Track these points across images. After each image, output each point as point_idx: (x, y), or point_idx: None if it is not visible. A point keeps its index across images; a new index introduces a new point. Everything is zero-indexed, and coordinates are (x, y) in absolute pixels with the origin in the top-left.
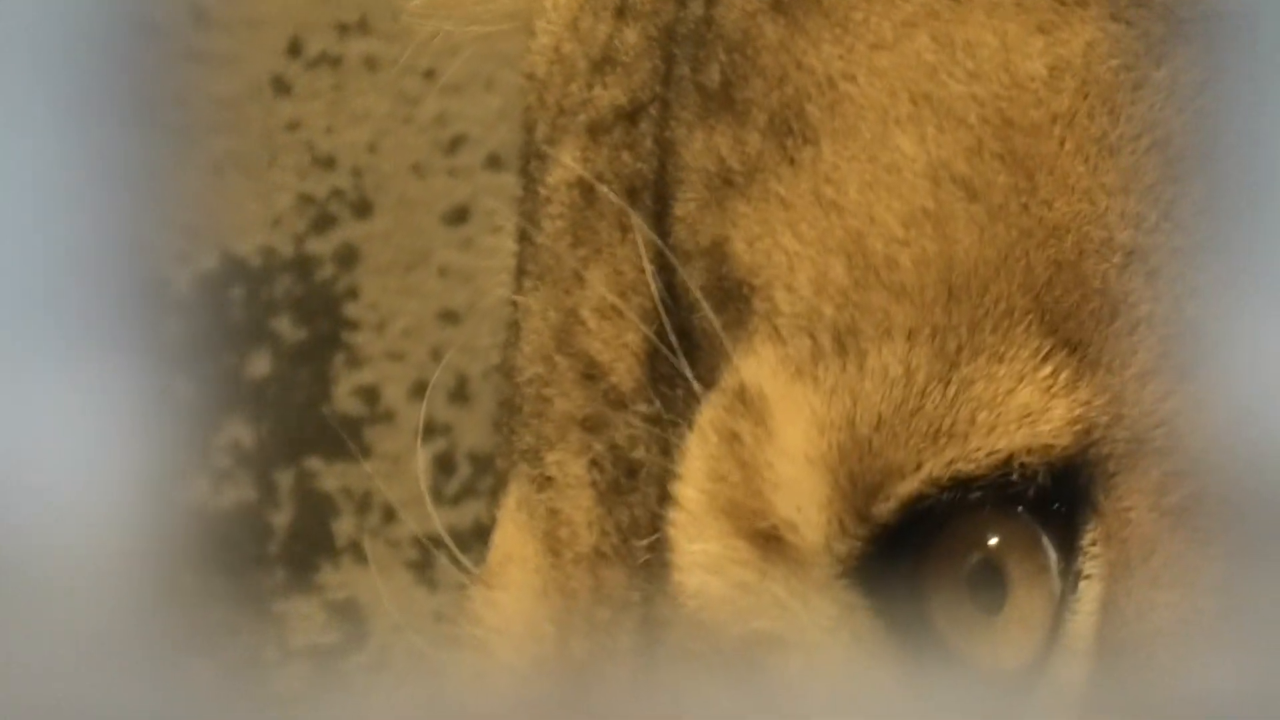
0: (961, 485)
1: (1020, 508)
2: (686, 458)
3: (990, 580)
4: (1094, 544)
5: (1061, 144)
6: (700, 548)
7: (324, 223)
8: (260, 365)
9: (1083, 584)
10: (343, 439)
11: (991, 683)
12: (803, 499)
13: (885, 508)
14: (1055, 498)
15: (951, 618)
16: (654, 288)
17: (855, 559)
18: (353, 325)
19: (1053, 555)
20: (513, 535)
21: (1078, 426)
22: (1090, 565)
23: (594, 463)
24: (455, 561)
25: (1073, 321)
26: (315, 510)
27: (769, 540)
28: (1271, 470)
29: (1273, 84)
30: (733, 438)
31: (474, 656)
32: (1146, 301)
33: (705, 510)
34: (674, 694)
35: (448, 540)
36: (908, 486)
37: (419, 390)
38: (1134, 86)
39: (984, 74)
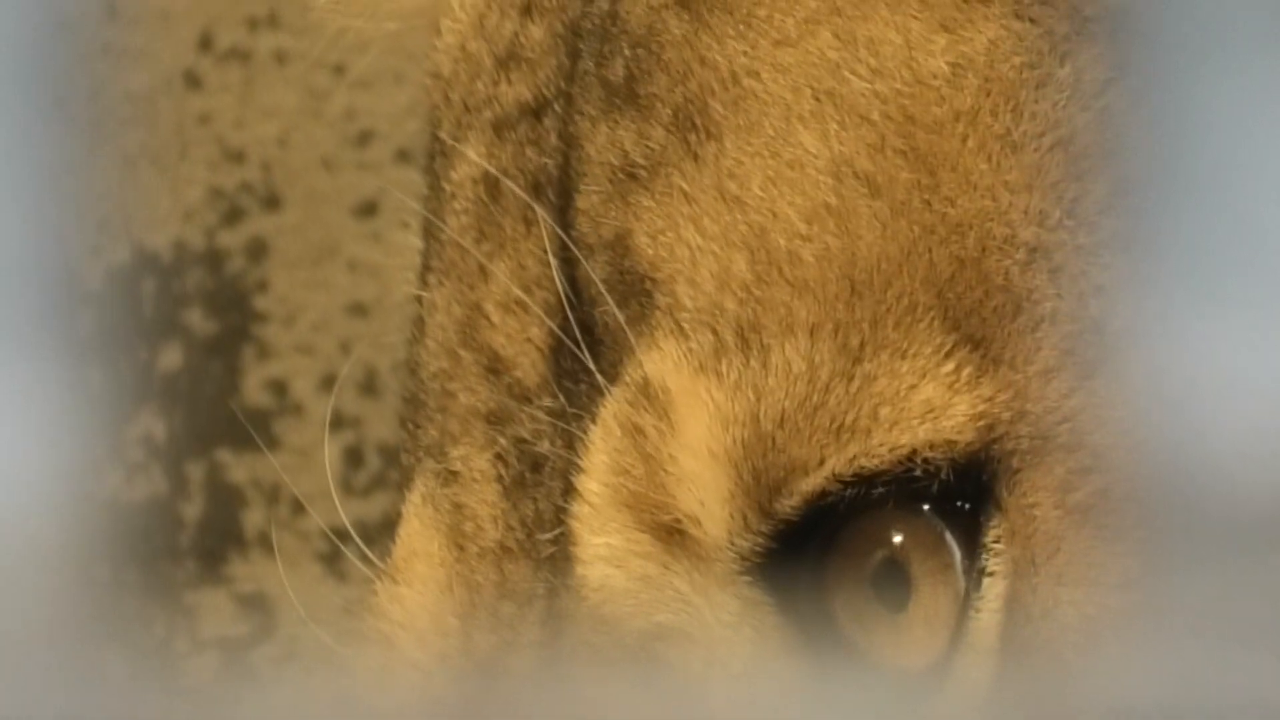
0: (865, 481)
1: (924, 505)
2: (590, 451)
3: (894, 578)
4: (998, 541)
5: (964, 141)
6: (603, 540)
7: (234, 216)
8: (171, 358)
9: (986, 581)
10: (252, 431)
11: (896, 681)
12: (705, 493)
13: (788, 503)
14: (959, 494)
15: (855, 615)
16: (558, 282)
17: (758, 555)
18: (262, 318)
19: (957, 553)
20: (417, 530)
21: (980, 422)
22: (994, 562)
23: (498, 457)
24: (363, 556)
25: (975, 318)
26: (225, 502)
27: (671, 534)
28: (1176, 466)
29: (1176, 83)
30: (636, 431)
31: (379, 651)
32: (1050, 299)
33: (608, 503)
34: (576, 687)
35: (354, 534)
36: (811, 482)
37: (328, 383)
38: (1037, 84)
39: (887, 71)
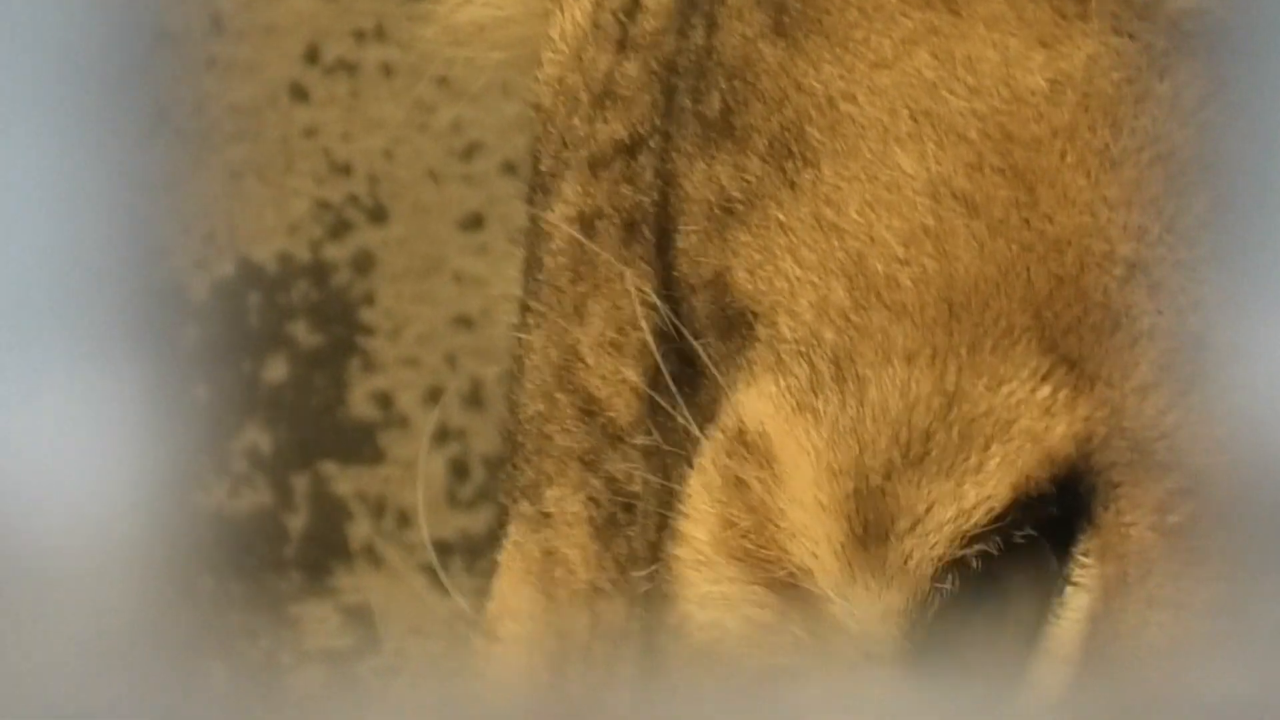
0: (991, 523)
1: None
2: (691, 498)
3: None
4: (1086, 554)
5: (1062, 158)
6: (717, 589)
7: (340, 229)
8: (277, 370)
9: (1070, 590)
10: (357, 443)
11: (974, 684)
12: (817, 546)
13: (900, 550)
14: (1054, 504)
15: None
16: (644, 328)
17: (873, 603)
18: (368, 331)
19: (1049, 558)
20: (509, 585)
21: (1077, 439)
22: (1080, 574)
23: (591, 499)
24: (465, 569)
25: (1073, 336)
26: (330, 514)
27: (785, 586)
28: (1274, 486)
29: (1276, 97)
30: (739, 483)
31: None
32: (1148, 315)
33: (718, 554)
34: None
35: (435, 564)
36: (926, 537)
37: (433, 395)
38: (1136, 100)
39: (984, 89)
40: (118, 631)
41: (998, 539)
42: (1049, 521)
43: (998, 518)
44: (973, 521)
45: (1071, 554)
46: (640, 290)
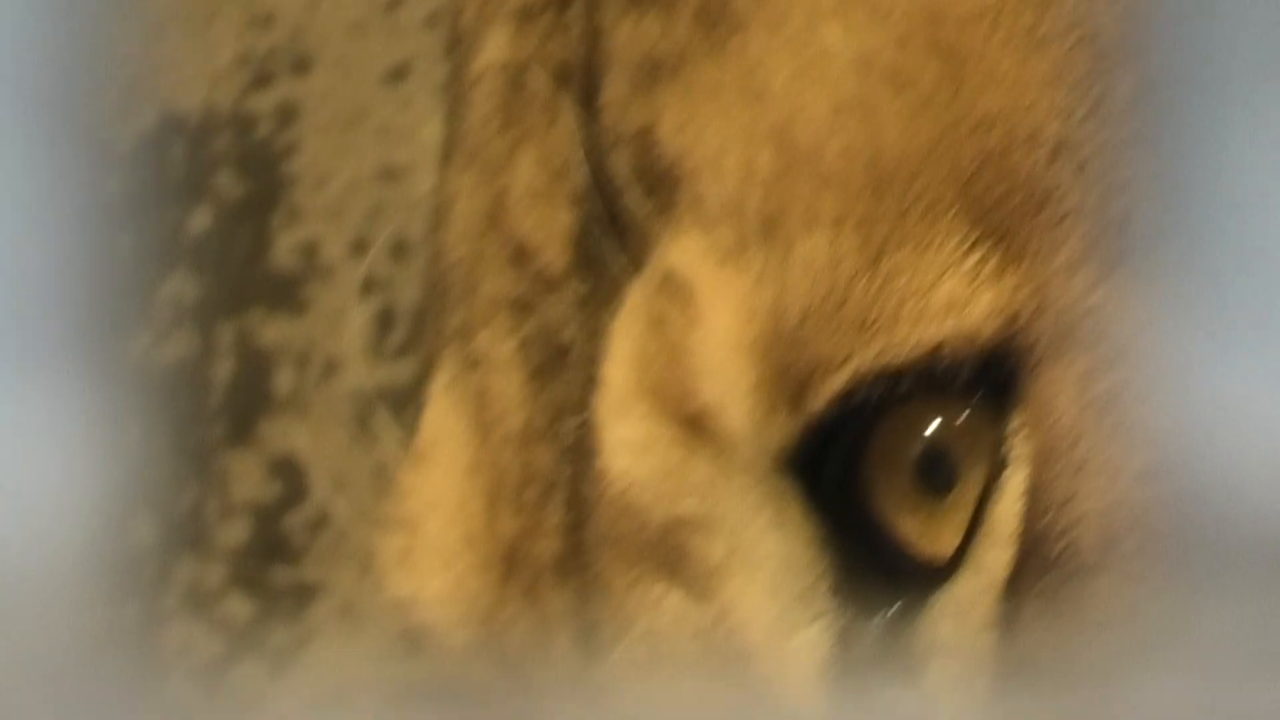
0: (891, 377)
1: (952, 395)
2: (614, 339)
3: (936, 467)
4: (1019, 430)
5: (990, 36)
6: (626, 428)
7: (263, 80)
8: (201, 221)
9: (1007, 471)
10: (282, 294)
11: (914, 569)
12: (728, 384)
13: (817, 401)
14: (983, 385)
15: (899, 505)
16: (582, 172)
17: (785, 449)
18: (292, 182)
19: (985, 439)
20: (443, 413)
21: (1003, 315)
22: (1016, 450)
23: (524, 343)
24: (392, 421)
25: (999, 212)
26: (255, 364)
27: (694, 424)
28: (1196, 358)
29: None
30: (659, 321)
31: (405, 533)
32: (1074, 194)
33: (631, 391)
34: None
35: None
36: (837, 380)
37: (358, 247)
38: None
39: None
40: (43, 480)
41: (885, 383)
42: (982, 406)
43: (913, 378)
44: (878, 369)
45: (1005, 434)
46: (574, 139)
